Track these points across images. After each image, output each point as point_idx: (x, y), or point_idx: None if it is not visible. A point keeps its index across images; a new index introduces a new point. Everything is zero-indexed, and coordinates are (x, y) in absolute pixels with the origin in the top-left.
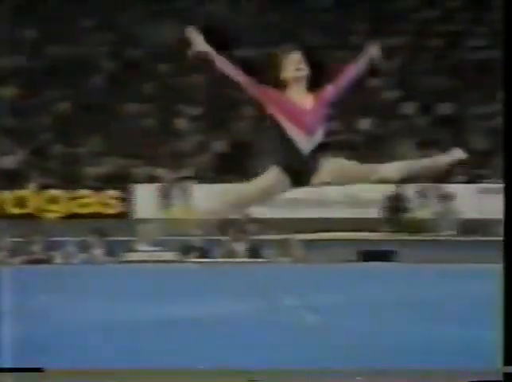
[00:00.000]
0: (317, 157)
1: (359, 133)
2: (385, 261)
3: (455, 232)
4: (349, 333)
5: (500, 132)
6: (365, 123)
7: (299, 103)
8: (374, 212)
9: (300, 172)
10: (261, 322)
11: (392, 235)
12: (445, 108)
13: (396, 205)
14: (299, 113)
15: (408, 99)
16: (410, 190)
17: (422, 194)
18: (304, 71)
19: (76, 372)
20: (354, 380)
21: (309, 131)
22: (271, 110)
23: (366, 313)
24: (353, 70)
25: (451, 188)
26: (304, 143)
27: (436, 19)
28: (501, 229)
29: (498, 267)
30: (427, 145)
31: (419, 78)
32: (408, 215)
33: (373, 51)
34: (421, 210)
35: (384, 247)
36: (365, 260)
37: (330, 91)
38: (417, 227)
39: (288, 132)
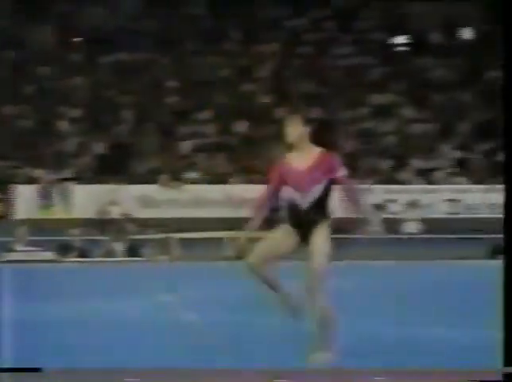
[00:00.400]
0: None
1: (235, 135)
2: None
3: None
4: (224, 330)
5: (365, 135)
6: (240, 126)
7: (296, 167)
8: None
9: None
10: (139, 320)
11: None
12: (315, 112)
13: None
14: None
15: (280, 104)
16: None
17: None
18: (302, 131)
19: (76, 372)
20: (354, 379)
21: (305, 190)
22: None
23: (241, 309)
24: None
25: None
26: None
27: (305, 27)
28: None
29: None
30: None
31: (291, 83)
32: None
33: None
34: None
35: None
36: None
37: (338, 175)
38: None
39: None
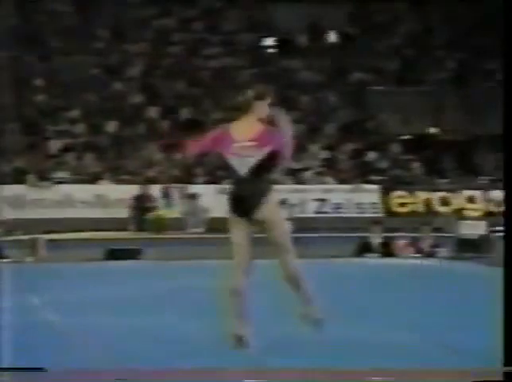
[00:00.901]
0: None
1: (105, 135)
2: (132, 259)
3: (202, 230)
4: (91, 332)
5: None
6: (110, 126)
7: (238, 135)
8: (121, 212)
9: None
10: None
11: (138, 234)
12: (186, 113)
13: (141, 205)
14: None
15: (151, 104)
16: (155, 190)
17: (166, 194)
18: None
19: (77, 372)
20: (354, 380)
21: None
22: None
23: (109, 311)
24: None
25: (194, 188)
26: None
27: (173, 27)
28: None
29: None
30: (170, 148)
31: (161, 83)
32: (153, 214)
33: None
34: (167, 209)
35: (131, 246)
36: (111, 259)
37: (277, 143)
38: (163, 225)
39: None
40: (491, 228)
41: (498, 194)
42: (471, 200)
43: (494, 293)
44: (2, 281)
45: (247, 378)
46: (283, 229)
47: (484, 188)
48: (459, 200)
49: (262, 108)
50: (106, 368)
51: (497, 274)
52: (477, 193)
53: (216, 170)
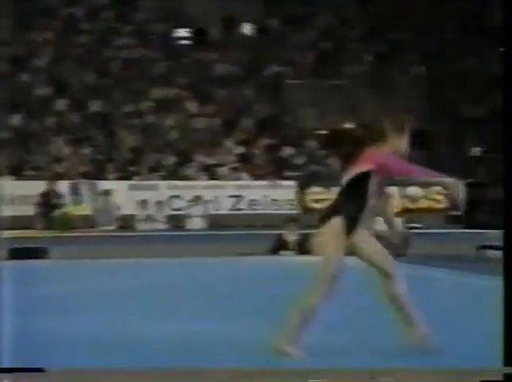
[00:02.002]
0: None
1: (10, 129)
2: (37, 258)
3: (114, 227)
4: None
5: (148, 129)
6: (16, 119)
7: None
8: (27, 210)
9: None
10: None
11: (45, 233)
12: (96, 105)
13: (48, 202)
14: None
15: (59, 96)
16: (63, 186)
17: (75, 191)
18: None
19: (77, 371)
20: (354, 380)
21: None
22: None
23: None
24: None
25: (105, 184)
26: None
27: (82, 16)
28: (139, 224)
29: (149, 262)
30: (79, 141)
31: (69, 75)
32: (61, 211)
33: None
34: (75, 206)
35: (36, 245)
36: (14, 258)
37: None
38: (69, 223)
39: None
40: (407, 225)
41: (414, 190)
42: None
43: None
44: None
45: (247, 378)
46: (383, 252)
47: (400, 184)
48: None
49: (399, 142)
50: (106, 368)
51: (412, 271)
52: (393, 190)
53: (127, 166)
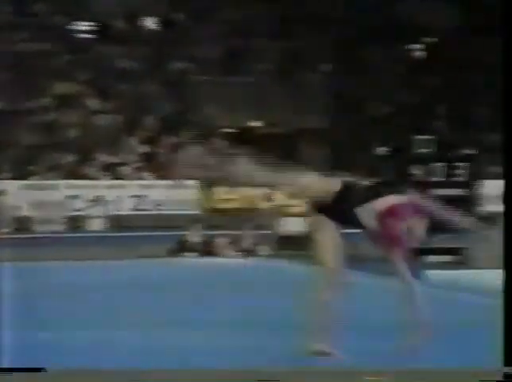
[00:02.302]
0: None
1: None
2: None
3: (8, 230)
4: None
5: (47, 127)
6: None
7: None
8: None
9: None
10: None
11: None
12: None
13: None
14: None
15: None
16: None
17: None
18: None
19: (77, 371)
20: (354, 380)
21: None
22: None
23: None
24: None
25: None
26: None
27: None
28: (36, 226)
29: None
30: None
31: None
32: None
33: None
34: None
35: None
36: None
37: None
38: None
39: None
40: None
41: None
42: (293, 196)
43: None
44: None
45: (246, 378)
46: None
47: None
48: (281, 196)
49: None
50: (106, 368)
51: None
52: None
53: (24, 165)
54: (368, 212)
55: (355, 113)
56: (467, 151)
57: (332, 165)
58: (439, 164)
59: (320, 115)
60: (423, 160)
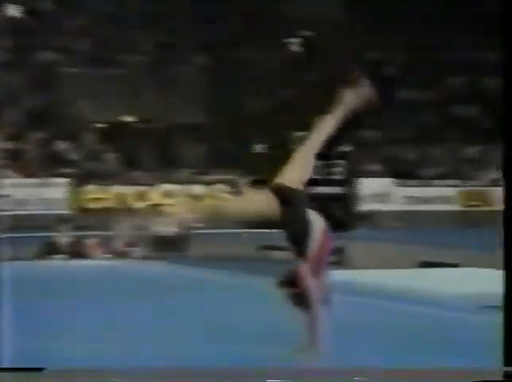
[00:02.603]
0: None
1: None
2: None
3: None
4: None
5: None
6: None
7: None
8: None
9: None
10: None
11: None
12: None
13: None
14: None
15: None
16: None
17: None
18: None
19: (77, 371)
20: (353, 380)
21: None
22: None
23: None
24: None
25: None
26: None
27: None
28: None
29: None
30: None
31: None
32: None
33: None
34: None
35: None
36: None
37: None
38: None
39: None
40: (188, 224)
41: (198, 188)
42: (169, 194)
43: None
44: None
45: (246, 378)
46: None
47: (185, 181)
48: (156, 194)
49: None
50: (106, 367)
51: (191, 274)
52: (177, 187)
53: None
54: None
55: (233, 109)
56: (345, 148)
57: (209, 163)
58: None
59: (197, 111)
60: None
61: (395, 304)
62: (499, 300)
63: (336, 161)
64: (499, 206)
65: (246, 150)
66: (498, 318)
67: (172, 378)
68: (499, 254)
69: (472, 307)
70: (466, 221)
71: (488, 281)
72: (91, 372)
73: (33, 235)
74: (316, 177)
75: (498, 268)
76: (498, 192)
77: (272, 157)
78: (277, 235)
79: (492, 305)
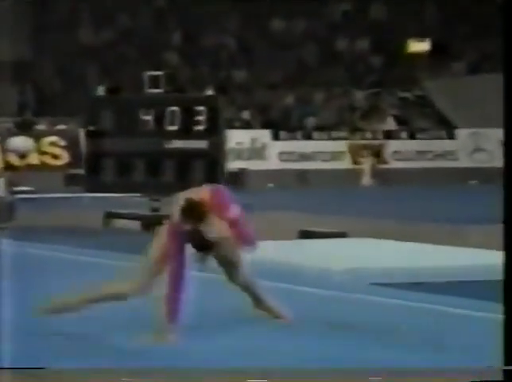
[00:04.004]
0: None
1: None
2: None
3: None
4: None
5: None
6: None
7: None
8: None
9: None
10: None
11: None
12: None
13: None
14: None
15: None
16: None
17: None
18: None
19: (78, 371)
20: (353, 379)
21: None
22: None
23: None
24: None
25: None
26: None
27: None
28: None
29: None
30: None
31: None
32: None
33: None
34: None
35: None
36: None
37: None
38: None
39: None
40: (12, 188)
41: (21, 142)
42: None
43: None
44: None
45: (246, 377)
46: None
47: (1, 133)
48: None
49: None
50: (107, 367)
51: (16, 250)
52: None
53: None
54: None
55: (62, 41)
56: (209, 92)
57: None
58: (174, 108)
59: (18, 46)
60: (152, 103)
61: (267, 283)
62: (391, 276)
63: (200, 107)
64: (392, 163)
65: (85, 93)
66: (393, 297)
67: (174, 378)
68: (395, 221)
69: (361, 285)
70: (355, 181)
71: (380, 253)
72: (91, 372)
73: None
74: (174, 127)
75: (392, 238)
76: (391, 146)
77: (115, 102)
78: (124, 201)
79: (383, 282)
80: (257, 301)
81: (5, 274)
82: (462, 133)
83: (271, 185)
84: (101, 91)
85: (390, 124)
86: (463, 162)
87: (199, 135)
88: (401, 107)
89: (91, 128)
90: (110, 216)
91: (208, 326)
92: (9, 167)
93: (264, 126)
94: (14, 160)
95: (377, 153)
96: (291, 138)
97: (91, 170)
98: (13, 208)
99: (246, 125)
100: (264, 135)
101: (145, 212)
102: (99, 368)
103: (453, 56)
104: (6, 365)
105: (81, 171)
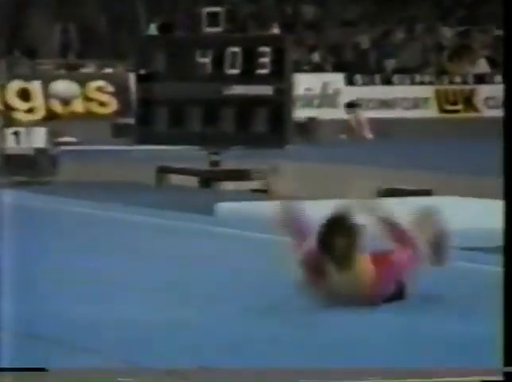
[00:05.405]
0: None
1: None
2: None
3: None
4: None
5: None
6: None
7: None
8: None
9: None
10: None
11: None
12: None
13: None
14: None
15: None
16: None
17: None
18: None
19: (79, 371)
20: (351, 379)
21: None
22: None
23: None
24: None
25: None
26: None
27: None
28: None
29: None
30: None
31: None
32: None
33: None
34: None
35: None
36: None
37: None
38: None
39: None
40: (55, 139)
41: (64, 86)
42: (24, 94)
43: None
44: None
45: (246, 377)
46: None
47: (43, 77)
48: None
49: None
50: (107, 367)
51: (57, 207)
52: (35, 85)
53: None
54: None
55: None
56: (275, 30)
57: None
58: (234, 49)
59: None
60: (210, 43)
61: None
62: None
63: (261, 48)
64: (485, 111)
65: (135, 32)
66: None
67: (175, 378)
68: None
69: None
70: (442, 132)
71: (467, 212)
72: (91, 372)
73: None
74: (234, 71)
75: (484, 197)
76: (483, 92)
77: (170, 42)
78: (179, 154)
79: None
80: None
81: (48, 233)
82: None
83: (343, 136)
84: (153, 30)
85: (483, 66)
86: None
87: (262, 80)
88: (494, 47)
89: (142, 72)
90: (164, 171)
91: None
92: (51, 115)
93: (337, 69)
94: (57, 107)
95: (467, 100)
96: (368, 82)
97: (141, 119)
98: (56, 162)
99: (317, 68)
100: (337, 80)
101: (203, 166)
102: (101, 368)
103: None
104: (6, 365)
105: (130, 120)
